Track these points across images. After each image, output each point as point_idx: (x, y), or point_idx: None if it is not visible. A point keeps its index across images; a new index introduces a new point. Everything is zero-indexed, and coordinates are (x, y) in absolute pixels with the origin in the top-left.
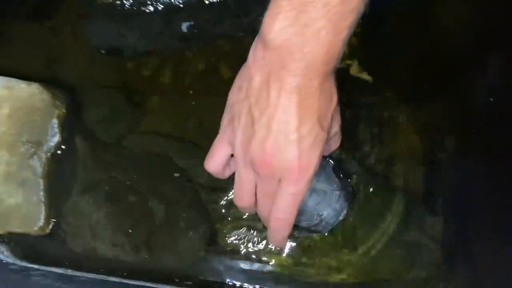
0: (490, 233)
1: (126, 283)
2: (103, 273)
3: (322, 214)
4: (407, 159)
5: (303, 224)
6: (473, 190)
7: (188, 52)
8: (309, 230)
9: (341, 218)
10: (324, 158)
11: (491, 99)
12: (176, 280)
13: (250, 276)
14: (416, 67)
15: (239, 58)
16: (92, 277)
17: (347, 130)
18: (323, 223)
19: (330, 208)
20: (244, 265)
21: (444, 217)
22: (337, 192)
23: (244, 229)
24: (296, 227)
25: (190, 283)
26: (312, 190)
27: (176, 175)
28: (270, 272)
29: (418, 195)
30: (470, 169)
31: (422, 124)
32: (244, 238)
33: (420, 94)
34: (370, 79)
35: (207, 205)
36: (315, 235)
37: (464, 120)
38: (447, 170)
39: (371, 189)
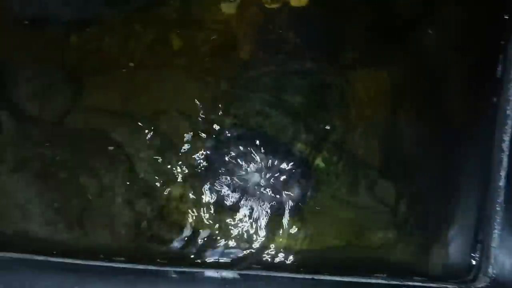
0: (440, 194)
1: (60, 262)
2: (33, 253)
3: None
4: (361, 127)
5: None
6: (424, 156)
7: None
8: None
9: None
10: None
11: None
12: (113, 257)
13: (192, 250)
14: (369, 30)
15: (189, 27)
16: (23, 257)
17: (299, 100)
18: None
19: None
20: (186, 238)
21: (397, 183)
22: None
23: (188, 203)
24: None
25: (122, 259)
26: None
27: (111, 148)
28: (213, 244)
29: (371, 162)
30: (422, 136)
31: (375, 92)
32: (188, 211)
33: (373, 60)
34: None
35: (146, 178)
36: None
37: (418, 86)
38: (401, 137)
39: (323, 158)
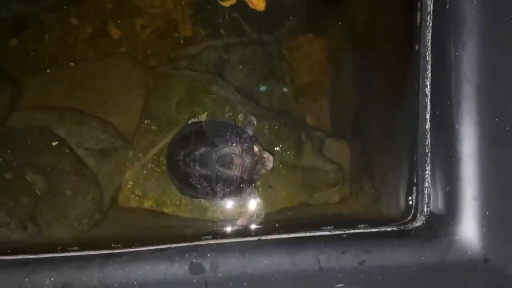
0: (387, 149)
1: (10, 259)
2: None
3: None
4: (312, 88)
5: None
6: (368, 112)
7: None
8: None
9: None
10: None
11: None
12: (69, 248)
13: (149, 234)
14: None
15: (126, 15)
16: None
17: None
18: None
19: None
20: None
21: (348, 141)
22: None
23: (139, 188)
24: None
25: (76, 248)
26: None
27: (54, 143)
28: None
29: (318, 125)
30: (364, 93)
31: (323, 52)
32: (141, 196)
33: (318, 21)
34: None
35: (95, 170)
36: None
37: (363, 41)
38: (345, 97)
39: (271, 124)
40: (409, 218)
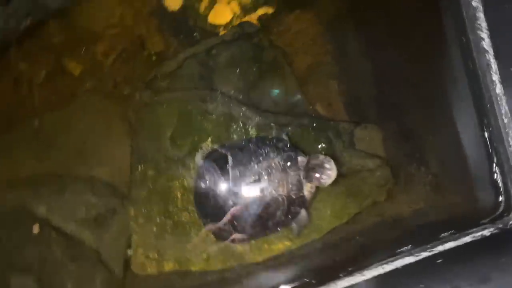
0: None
1: None
2: None
3: None
4: (314, 72)
5: None
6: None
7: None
8: None
9: None
10: None
11: None
12: None
13: None
14: None
15: (81, 44)
16: None
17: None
18: None
19: None
20: None
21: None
22: None
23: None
24: None
25: None
26: None
27: (35, 229)
28: None
29: (337, 111)
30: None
31: (315, 27)
32: (158, 259)
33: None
34: None
35: (94, 245)
36: None
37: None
38: (363, 69)
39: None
40: (502, 208)
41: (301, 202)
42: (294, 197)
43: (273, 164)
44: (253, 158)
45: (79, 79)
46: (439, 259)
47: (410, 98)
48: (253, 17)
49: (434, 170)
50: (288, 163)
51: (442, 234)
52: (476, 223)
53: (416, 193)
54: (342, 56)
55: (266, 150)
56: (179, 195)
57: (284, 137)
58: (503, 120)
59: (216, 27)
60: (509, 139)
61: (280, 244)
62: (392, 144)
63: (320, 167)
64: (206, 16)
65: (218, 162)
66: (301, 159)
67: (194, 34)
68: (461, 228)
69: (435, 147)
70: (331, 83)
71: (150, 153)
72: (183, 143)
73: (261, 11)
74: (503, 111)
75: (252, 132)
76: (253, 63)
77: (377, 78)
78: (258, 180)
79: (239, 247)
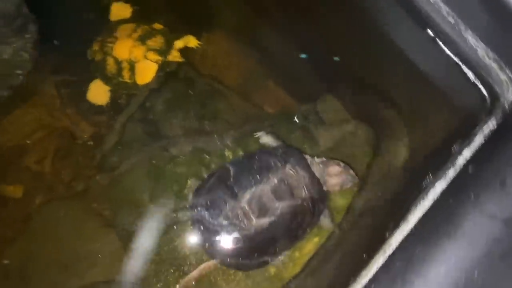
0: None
1: None
2: None
3: None
4: (239, 76)
5: None
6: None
7: None
8: None
9: None
10: None
11: None
12: None
13: None
14: None
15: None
16: None
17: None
18: None
19: None
20: None
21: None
22: None
23: None
24: None
25: None
26: None
27: None
28: None
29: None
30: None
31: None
32: None
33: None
34: None
35: None
36: None
37: None
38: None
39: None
40: (490, 98)
41: (324, 197)
42: (317, 196)
43: (286, 173)
44: (260, 175)
45: (24, 199)
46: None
47: (344, 53)
48: (172, 56)
49: (404, 103)
50: (299, 166)
51: (452, 148)
52: (475, 125)
53: (400, 136)
54: (265, 55)
55: (272, 162)
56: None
57: (274, 141)
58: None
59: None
60: (460, 29)
61: (309, 244)
62: (353, 101)
63: (339, 174)
64: (134, 81)
65: (220, 183)
66: (307, 157)
67: (119, 101)
68: (467, 134)
69: (394, 82)
70: (268, 84)
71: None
72: (166, 199)
73: (176, 47)
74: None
75: (228, 153)
76: (190, 98)
77: (307, 57)
78: (277, 197)
79: (271, 268)
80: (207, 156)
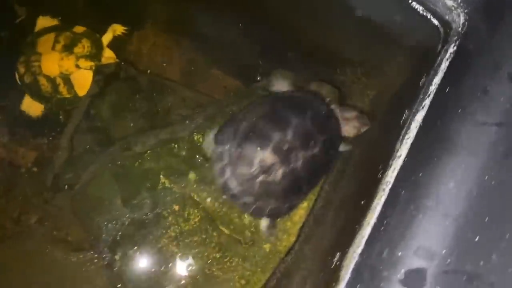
0: None
1: None
2: None
3: None
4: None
5: None
6: None
7: None
8: None
9: None
10: None
11: None
12: None
13: None
14: None
15: None
16: None
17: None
18: None
19: None
20: None
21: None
22: None
23: None
24: None
25: None
26: None
27: None
28: None
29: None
30: None
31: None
32: None
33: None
34: None
35: None
36: None
37: None
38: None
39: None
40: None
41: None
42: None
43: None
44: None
45: None
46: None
47: (285, 22)
48: (106, 58)
49: (359, 57)
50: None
51: (421, 82)
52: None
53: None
54: (204, 44)
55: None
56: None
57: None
58: None
59: None
60: None
61: (299, 211)
62: (306, 68)
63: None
64: (75, 94)
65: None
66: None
67: (59, 117)
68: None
69: (343, 38)
70: (213, 71)
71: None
72: (141, 199)
73: (105, 43)
74: None
75: (198, 137)
76: (136, 97)
77: (247, 37)
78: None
79: (265, 245)
80: (175, 145)
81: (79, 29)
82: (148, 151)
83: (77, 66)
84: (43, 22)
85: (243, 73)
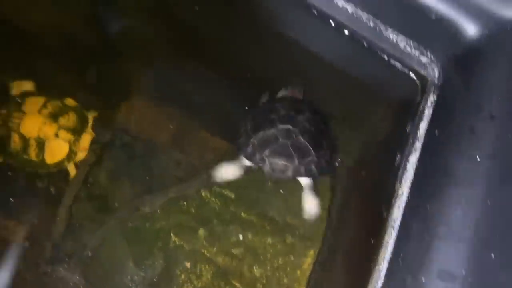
0: None
1: None
2: None
3: None
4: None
5: None
6: None
7: None
8: None
9: None
10: None
11: None
12: None
13: None
14: None
15: None
16: None
17: None
18: None
19: None
20: None
21: None
22: None
23: None
24: None
25: None
26: None
27: None
28: None
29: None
30: None
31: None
32: None
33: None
34: None
35: None
36: None
37: None
38: None
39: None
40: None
41: None
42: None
43: None
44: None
45: None
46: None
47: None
48: (85, 138)
49: (342, 111)
50: None
51: (407, 128)
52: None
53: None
54: (189, 108)
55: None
56: None
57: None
58: None
59: (58, 164)
60: (381, 29)
61: (307, 259)
62: None
63: None
64: (42, 159)
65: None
66: None
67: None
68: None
69: (327, 93)
70: (201, 134)
71: None
72: (153, 259)
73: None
74: None
75: (205, 193)
76: (132, 163)
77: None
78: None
79: None
80: (184, 203)
81: (70, 101)
82: (158, 211)
83: (56, 135)
84: (18, 85)
85: (229, 132)
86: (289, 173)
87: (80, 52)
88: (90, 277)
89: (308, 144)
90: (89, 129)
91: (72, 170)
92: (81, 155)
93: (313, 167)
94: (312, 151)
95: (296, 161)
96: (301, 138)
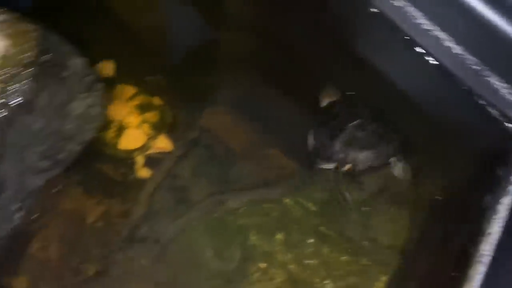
0: None
1: None
2: None
3: None
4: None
5: None
6: None
7: None
8: None
9: None
10: None
11: None
12: None
13: None
14: None
15: None
16: None
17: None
18: None
19: None
20: None
21: None
22: None
23: None
24: None
25: None
26: None
27: None
28: None
29: None
30: None
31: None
32: None
33: None
34: None
35: None
36: None
37: None
38: None
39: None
40: None
41: None
42: None
43: None
44: None
45: None
46: None
47: None
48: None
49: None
50: None
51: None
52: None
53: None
54: (263, 125)
55: None
56: None
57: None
58: None
59: (129, 152)
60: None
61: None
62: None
63: None
64: (115, 144)
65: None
66: None
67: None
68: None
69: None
70: (271, 151)
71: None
72: (231, 252)
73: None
74: None
75: (286, 200)
76: (212, 164)
77: None
78: None
79: None
80: (268, 205)
81: (157, 101)
82: (242, 208)
83: (138, 127)
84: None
85: (297, 153)
86: (369, 161)
87: (176, 57)
88: (163, 262)
89: (376, 138)
90: (167, 130)
91: (139, 161)
92: (152, 151)
93: (385, 151)
94: (385, 143)
95: (373, 149)
96: (364, 131)
